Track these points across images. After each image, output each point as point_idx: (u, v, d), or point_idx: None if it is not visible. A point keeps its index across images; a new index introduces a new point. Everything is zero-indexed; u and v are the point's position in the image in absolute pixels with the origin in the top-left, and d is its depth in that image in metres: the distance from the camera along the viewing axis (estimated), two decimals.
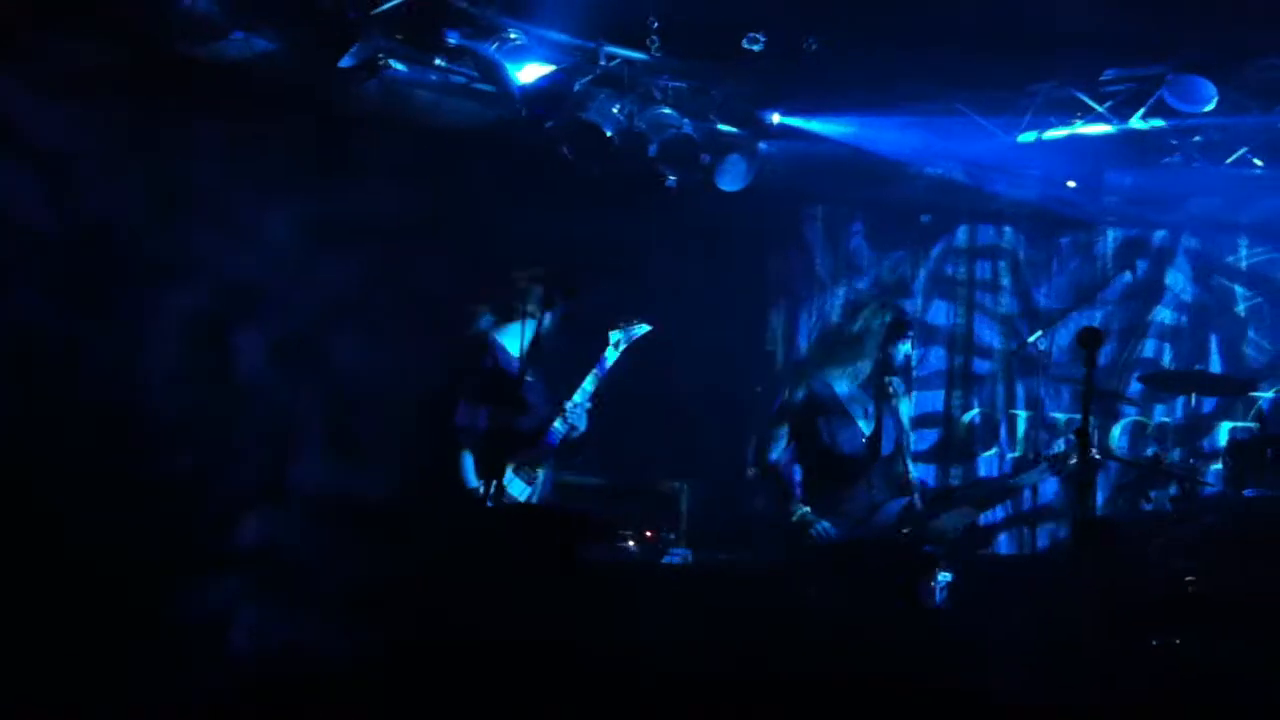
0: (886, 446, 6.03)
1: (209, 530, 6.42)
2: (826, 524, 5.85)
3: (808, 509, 5.89)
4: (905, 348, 6.06)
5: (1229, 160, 8.26)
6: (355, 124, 6.86)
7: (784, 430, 6.09)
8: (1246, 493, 6.84)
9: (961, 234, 9.37)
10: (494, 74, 6.78)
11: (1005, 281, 9.29)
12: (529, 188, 7.75)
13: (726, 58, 7.32)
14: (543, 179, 7.68)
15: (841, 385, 6.01)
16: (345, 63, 6.40)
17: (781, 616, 5.99)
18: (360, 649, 5.59)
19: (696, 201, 8.07)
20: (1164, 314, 9.12)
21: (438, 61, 6.94)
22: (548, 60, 6.93)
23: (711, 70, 7.58)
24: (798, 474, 6.17)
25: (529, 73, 6.85)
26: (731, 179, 7.87)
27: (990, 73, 7.60)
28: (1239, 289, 9.12)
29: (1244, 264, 9.16)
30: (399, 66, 6.84)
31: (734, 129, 7.85)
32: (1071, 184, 8.62)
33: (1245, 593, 6.33)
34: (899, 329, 6.04)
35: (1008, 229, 9.33)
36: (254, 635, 6.14)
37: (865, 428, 6.01)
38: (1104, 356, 8.92)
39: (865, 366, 6.01)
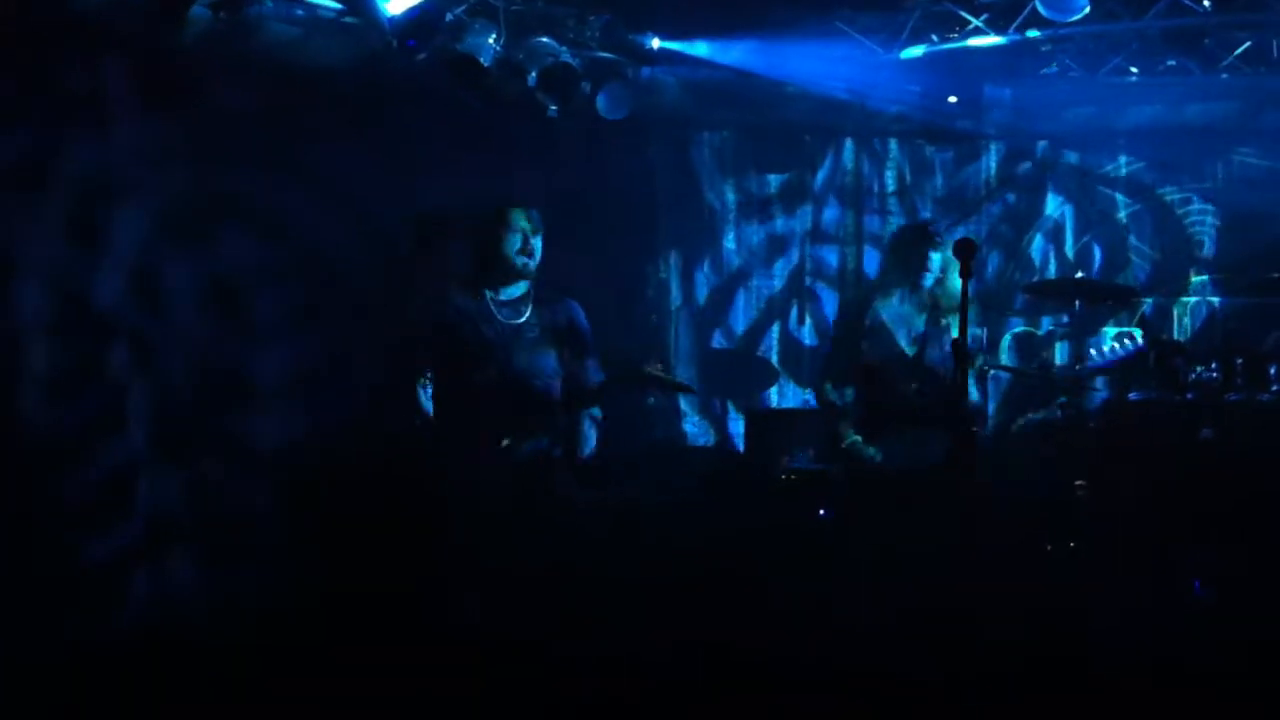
0: (932, 365, 5.87)
1: (104, 482, 6.21)
2: (874, 450, 5.78)
3: (858, 438, 5.83)
4: (936, 260, 5.86)
5: (1105, 70, 8.36)
6: (216, 64, 6.58)
7: (839, 354, 6.03)
8: (1131, 396, 6.99)
9: (847, 152, 9.41)
10: (361, 6, 6.57)
11: (891, 198, 9.37)
12: (409, 123, 7.57)
13: None
14: (422, 114, 7.50)
15: (890, 308, 5.92)
16: None
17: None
18: (269, 599, 5.52)
19: (581, 131, 7.96)
20: (1047, 224, 9.26)
21: None
22: None
23: None
24: (849, 397, 6.08)
25: (398, 4, 6.64)
26: (613, 106, 7.75)
27: None
28: (1120, 197, 9.28)
29: (1123, 171, 9.30)
30: (264, 1, 6.58)
31: (613, 55, 7.72)
32: (953, 99, 8.66)
33: (1132, 494, 6.50)
34: (927, 243, 5.90)
35: (892, 145, 9.39)
36: (155, 588, 6.02)
37: (909, 350, 5.88)
38: (989, 269, 9.06)
39: (906, 287, 5.90)
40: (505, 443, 5.34)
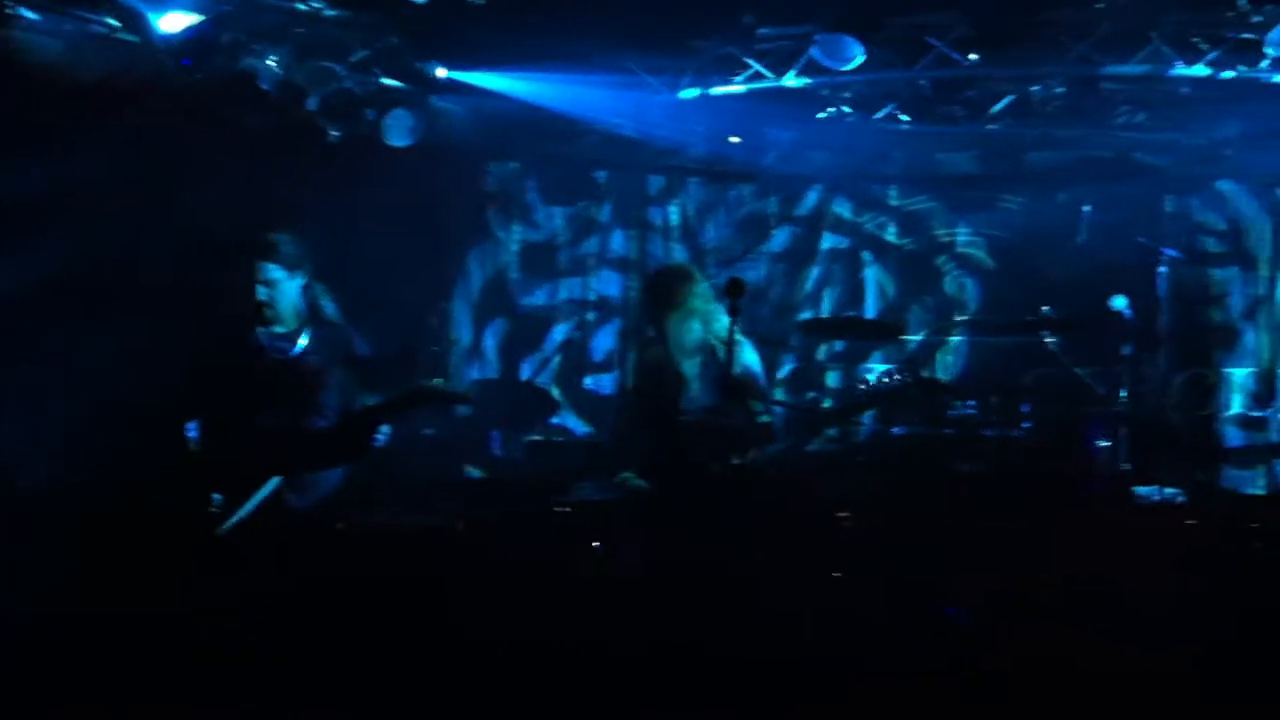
0: (704, 400, 6.00)
1: None
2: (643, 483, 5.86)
3: (629, 474, 5.89)
4: (696, 300, 6.01)
5: (878, 115, 8.73)
6: None
7: (629, 394, 6.11)
8: (895, 430, 7.28)
9: (632, 188, 9.57)
10: (135, 22, 6.41)
11: (675, 234, 9.58)
12: (185, 145, 7.38)
13: (389, 9, 7.17)
14: (199, 135, 7.32)
15: (660, 349, 6.01)
16: None
17: None
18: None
19: (367, 158, 7.90)
20: (822, 263, 9.61)
21: (74, 10, 6.48)
22: (194, 9, 6.60)
23: (374, 22, 7.41)
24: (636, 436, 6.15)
25: (173, 21, 6.50)
26: (398, 133, 7.73)
27: (655, 31, 7.74)
28: (890, 238, 9.68)
29: (894, 213, 9.71)
30: (30, 14, 6.36)
31: (398, 83, 7.71)
32: (735, 139, 8.91)
33: (894, 523, 6.75)
34: (684, 284, 6.04)
35: (676, 183, 9.60)
36: None
37: (692, 380, 5.99)
38: (766, 306, 9.34)
39: (686, 326, 5.99)
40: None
